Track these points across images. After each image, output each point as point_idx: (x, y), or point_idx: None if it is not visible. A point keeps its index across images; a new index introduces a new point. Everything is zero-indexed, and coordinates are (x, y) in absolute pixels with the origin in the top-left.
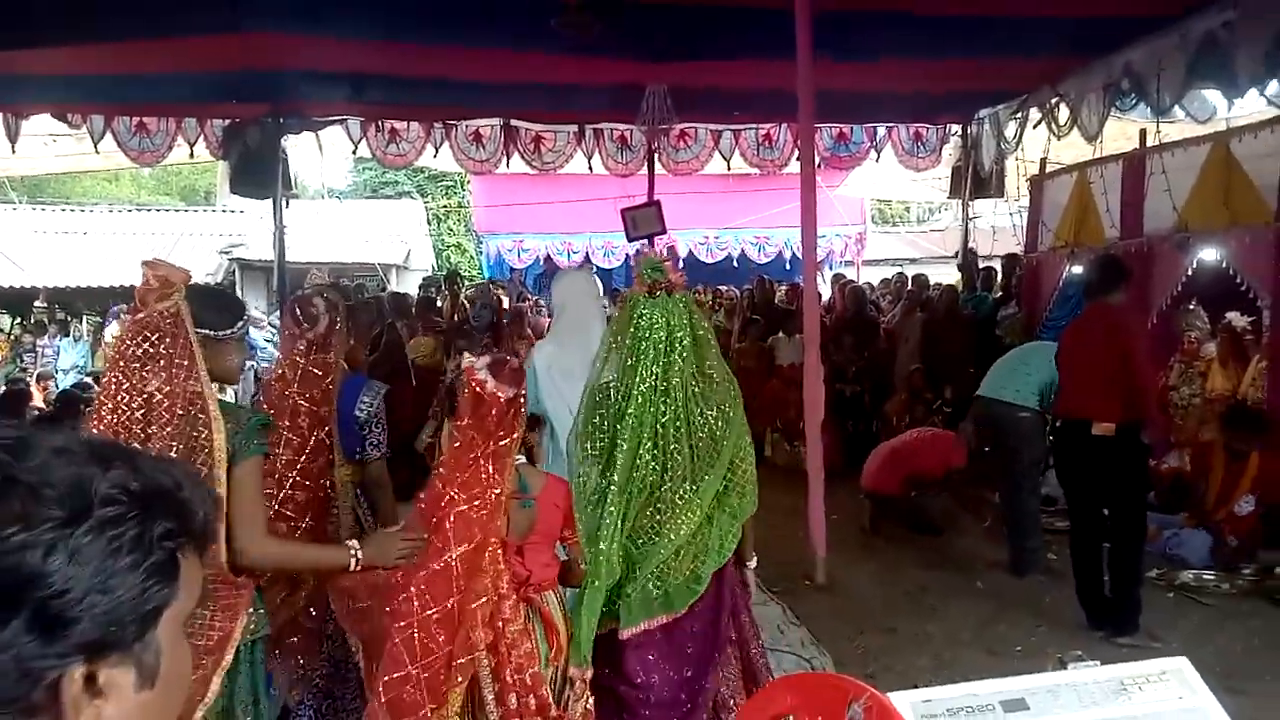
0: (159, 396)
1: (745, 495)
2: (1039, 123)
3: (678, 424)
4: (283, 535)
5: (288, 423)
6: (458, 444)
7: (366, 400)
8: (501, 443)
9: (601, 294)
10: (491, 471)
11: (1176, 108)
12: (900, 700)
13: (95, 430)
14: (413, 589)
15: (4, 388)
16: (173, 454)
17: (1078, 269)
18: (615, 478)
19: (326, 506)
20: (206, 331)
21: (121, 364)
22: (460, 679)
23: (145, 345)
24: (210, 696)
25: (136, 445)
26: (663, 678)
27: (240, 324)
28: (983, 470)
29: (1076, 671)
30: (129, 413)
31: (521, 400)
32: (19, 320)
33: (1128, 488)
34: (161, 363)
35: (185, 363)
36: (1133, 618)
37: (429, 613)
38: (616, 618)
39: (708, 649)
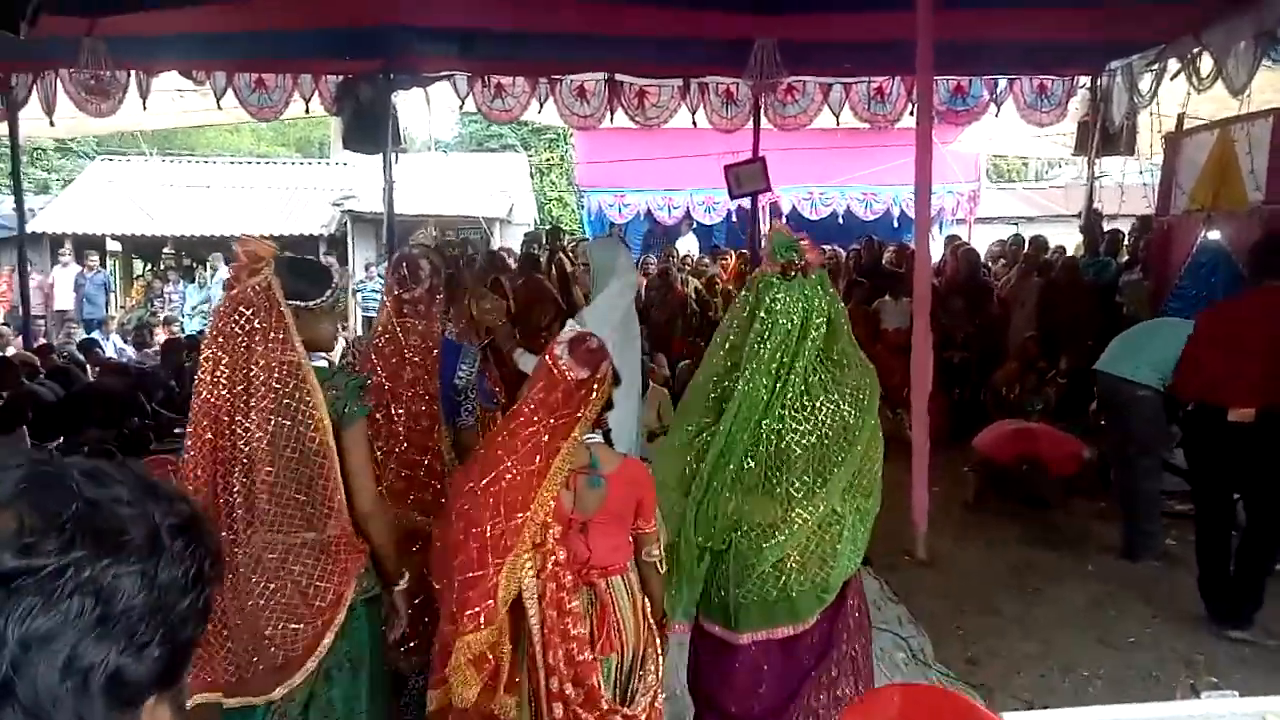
0: (256, 370)
1: (872, 494)
2: (1177, 74)
3: (796, 411)
4: (426, 504)
5: (406, 390)
6: (521, 416)
7: (465, 366)
8: (564, 420)
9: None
10: (547, 444)
11: None
12: None
13: (196, 406)
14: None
15: (135, 328)
16: (272, 425)
17: (1214, 234)
18: (710, 459)
19: (445, 475)
20: (298, 302)
21: (220, 339)
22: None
23: (240, 320)
24: (322, 650)
25: (240, 419)
26: (771, 694)
27: (330, 292)
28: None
29: (1211, 701)
30: (230, 387)
31: (597, 382)
32: (150, 267)
33: (1265, 476)
34: (258, 336)
35: (280, 335)
36: (1250, 610)
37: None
38: (723, 619)
39: (816, 661)
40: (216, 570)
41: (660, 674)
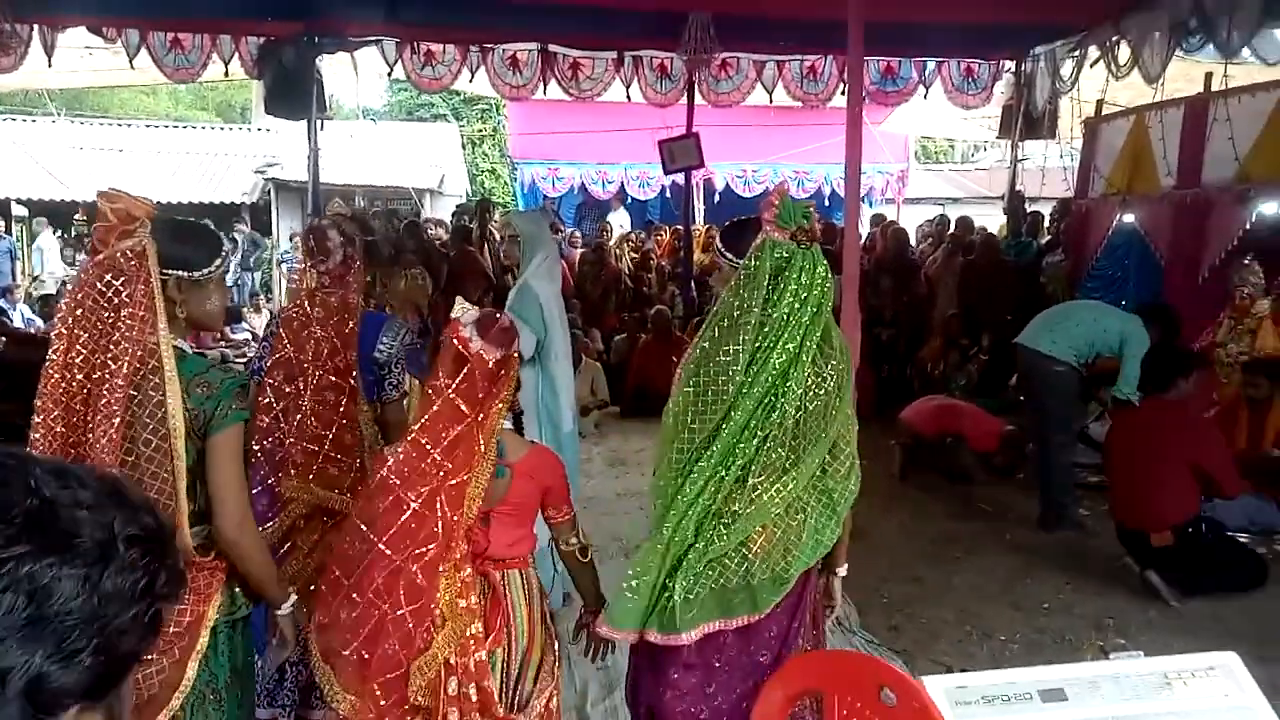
0: (116, 351)
1: (847, 479)
2: (1096, 61)
3: (797, 392)
4: (333, 479)
5: (312, 363)
6: (435, 407)
7: (386, 340)
8: (492, 409)
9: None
10: (480, 440)
11: (1246, 49)
12: (934, 685)
13: (46, 392)
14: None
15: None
16: (127, 418)
17: (1129, 217)
18: (718, 445)
19: (360, 449)
20: (180, 272)
21: (79, 313)
22: (421, 681)
23: (108, 292)
24: (186, 684)
25: (95, 409)
26: (724, 695)
27: (220, 261)
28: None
29: (1119, 662)
30: (86, 370)
31: (513, 361)
32: (60, 234)
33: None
34: (125, 311)
35: (143, 311)
36: None
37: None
38: (664, 623)
39: (773, 659)
40: (172, 588)
41: (557, 676)
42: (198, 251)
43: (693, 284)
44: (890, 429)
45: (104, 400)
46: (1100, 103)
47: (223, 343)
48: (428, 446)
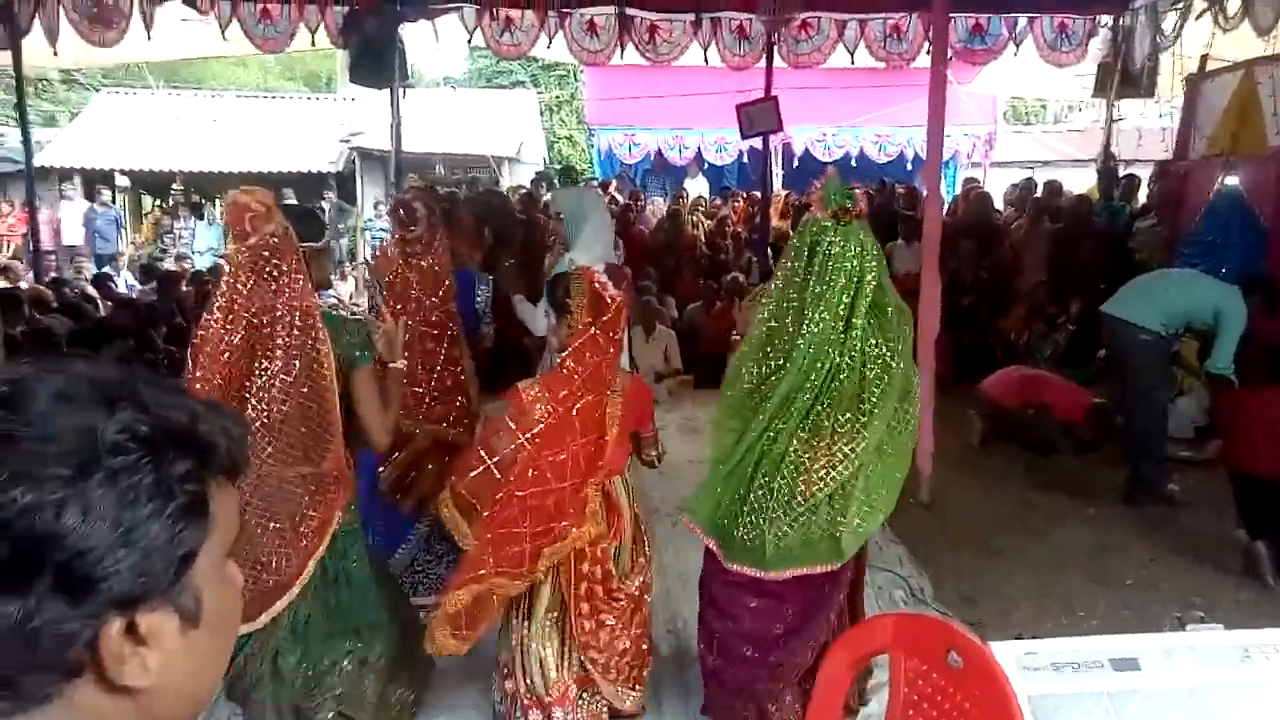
0: (280, 313)
1: (908, 444)
2: (1203, 14)
3: (851, 357)
4: (440, 415)
5: (415, 320)
6: (580, 342)
7: (482, 290)
8: (616, 337)
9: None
10: (606, 371)
11: None
12: (1004, 651)
13: (206, 351)
14: (531, 471)
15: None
16: (295, 366)
17: (1232, 180)
18: (776, 398)
19: (465, 390)
20: (308, 244)
21: (240, 288)
22: (544, 565)
23: (267, 269)
24: (305, 576)
25: (260, 361)
26: (791, 635)
27: (328, 231)
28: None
29: (1196, 633)
30: (248, 333)
31: (624, 298)
32: (158, 203)
33: None
34: (285, 281)
35: (301, 279)
36: None
37: (548, 487)
38: (753, 559)
39: (836, 607)
40: (212, 468)
41: (651, 551)
42: (312, 226)
43: (769, 251)
44: (970, 398)
45: (278, 350)
46: (1205, 58)
47: None
48: (573, 369)
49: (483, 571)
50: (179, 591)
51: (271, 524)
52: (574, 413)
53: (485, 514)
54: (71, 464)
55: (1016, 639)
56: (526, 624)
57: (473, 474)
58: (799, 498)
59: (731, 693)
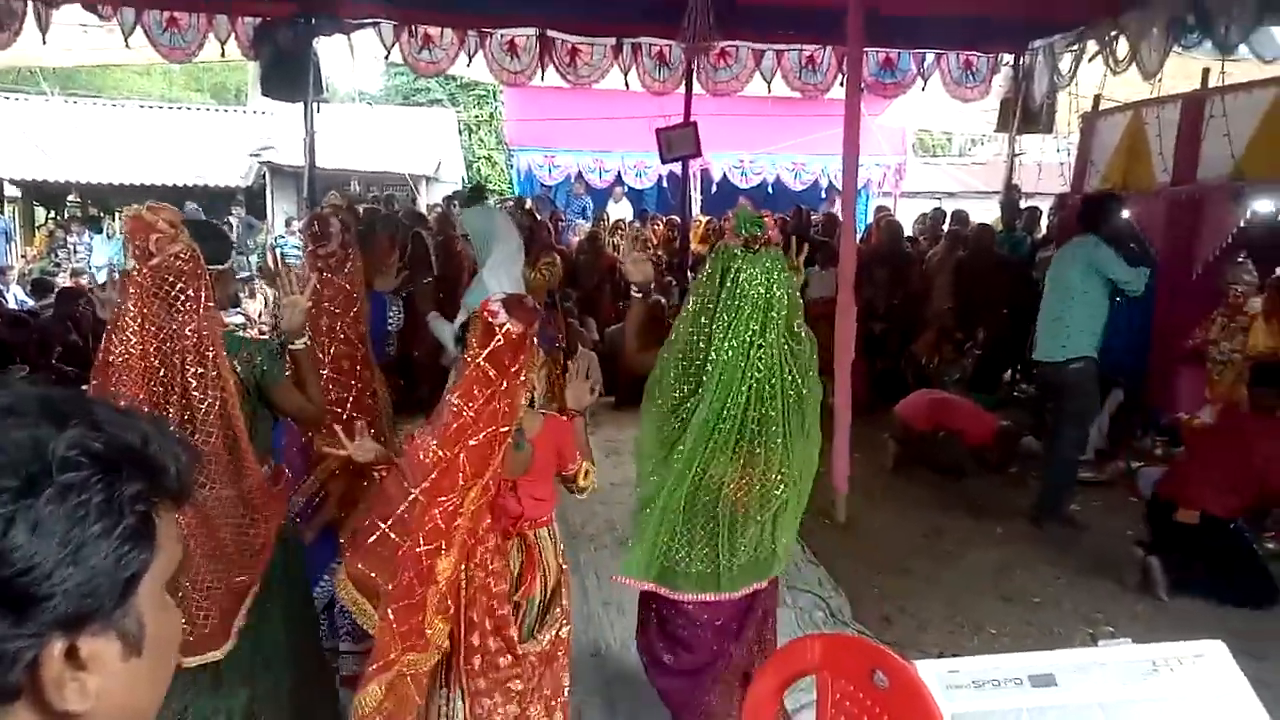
0: (186, 339)
1: (815, 457)
2: (1095, 56)
3: (771, 382)
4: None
5: (329, 340)
6: (467, 373)
7: (394, 311)
8: (517, 379)
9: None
10: (505, 404)
11: (1243, 46)
12: (926, 669)
13: (126, 369)
14: (429, 525)
15: (36, 281)
16: (208, 393)
17: (1124, 214)
18: (695, 426)
19: (378, 415)
20: (213, 266)
21: (145, 312)
22: (438, 623)
23: (172, 291)
24: (255, 589)
25: (176, 387)
26: (741, 641)
27: (233, 252)
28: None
29: (1108, 649)
30: (161, 356)
31: (532, 337)
32: (52, 215)
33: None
34: (191, 305)
35: (207, 302)
36: None
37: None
38: (703, 586)
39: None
40: (161, 491)
41: (568, 603)
42: (219, 248)
43: (689, 274)
44: (884, 422)
45: (191, 376)
46: (1098, 98)
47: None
48: (460, 407)
49: (392, 656)
50: (122, 615)
51: (214, 548)
52: (460, 457)
53: (388, 587)
54: (20, 478)
55: (938, 657)
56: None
57: (370, 541)
58: (745, 522)
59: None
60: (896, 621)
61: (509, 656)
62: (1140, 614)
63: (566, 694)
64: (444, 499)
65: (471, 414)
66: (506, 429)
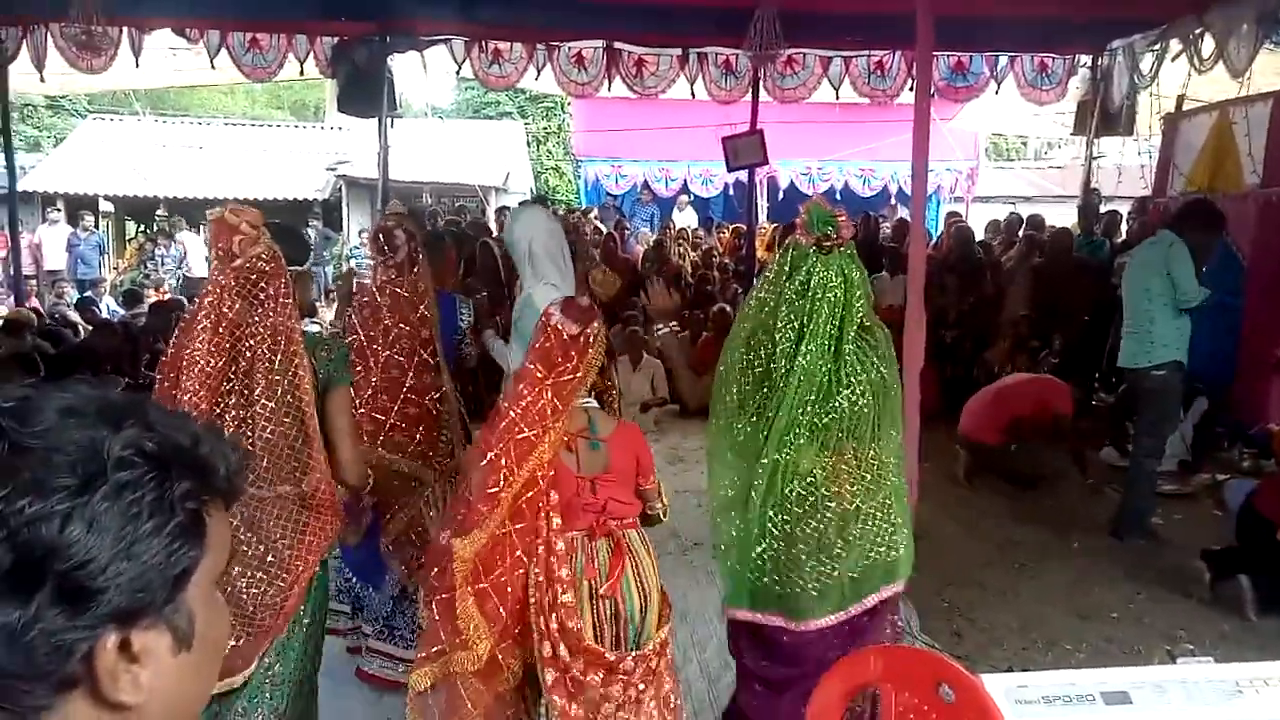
0: (261, 336)
1: (901, 472)
2: (1179, 55)
3: (843, 385)
4: (398, 444)
5: (382, 345)
6: (519, 373)
7: (464, 311)
8: (563, 377)
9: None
10: (551, 401)
11: None
12: (994, 683)
13: (192, 375)
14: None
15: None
16: (278, 389)
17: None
18: (772, 435)
19: (437, 420)
20: (294, 267)
21: (225, 311)
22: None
23: (254, 291)
24: (291, 613)
25: (242, 384)
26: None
27: (313, 254)
28: (1098, 426)
29: (1187, 667)
30: (230, 356)
31: (588, 338)
32: (142, 228)
33: None
34: (271, 304)
35: (287, 301)
36: None
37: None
38: (787, 609)
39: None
40: (211, 491)
41: (672, 624)
42: (298, 248)
43: (755, 282)
44: (954, 430)
45: (261, 374)
46: (1181, 98)
47: None
48: (506, 405)
49: (436, 648)
50: (173, 610)
51: (256, 553)
52: (510, 452)
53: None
54: (77, 476)
55: (1008, 672)
56: None
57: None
58: (850, 528)
59: None
60: (966, 635)
61: (599, 674)
62: (1228, 634)
63: (676, 701)
64: (491, 491)
65: (518, 411)
66: (551, 426)
